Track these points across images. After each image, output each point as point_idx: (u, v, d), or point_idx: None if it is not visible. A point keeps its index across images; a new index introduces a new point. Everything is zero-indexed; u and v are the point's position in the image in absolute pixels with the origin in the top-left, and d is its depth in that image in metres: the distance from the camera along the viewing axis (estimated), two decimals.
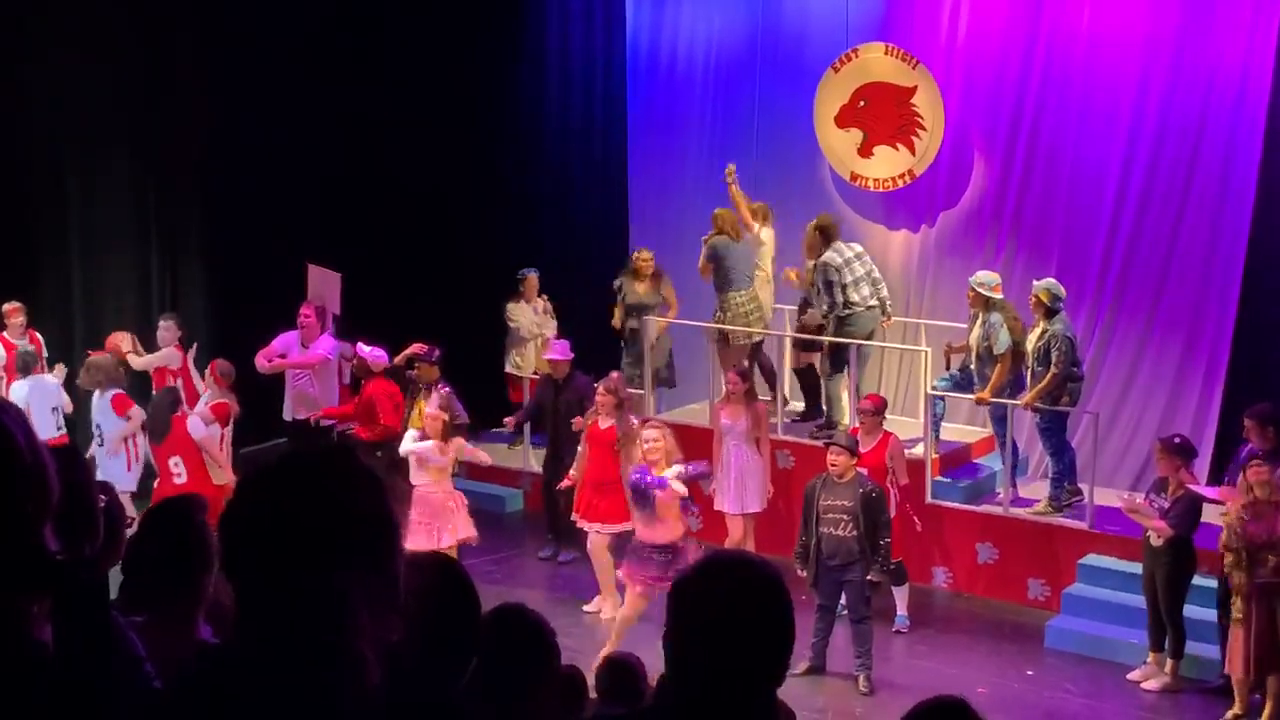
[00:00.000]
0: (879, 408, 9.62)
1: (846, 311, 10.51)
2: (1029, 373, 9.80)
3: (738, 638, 2.17)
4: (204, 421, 9.67)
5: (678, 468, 8.51)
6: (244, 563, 1.96)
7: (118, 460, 9.80)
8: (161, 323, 11.09)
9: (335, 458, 2.04)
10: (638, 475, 8.53)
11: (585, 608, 9.69)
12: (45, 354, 10.69)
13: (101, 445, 9.92)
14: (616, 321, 11.78)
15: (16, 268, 11.10)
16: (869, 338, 10.70)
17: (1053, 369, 9.52)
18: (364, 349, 10.53)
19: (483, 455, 9.95)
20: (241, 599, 1.98)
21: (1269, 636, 7.75)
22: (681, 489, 8.48)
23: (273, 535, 1.93)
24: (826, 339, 10.76)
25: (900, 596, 9.53)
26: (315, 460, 2.03)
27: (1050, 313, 9.60)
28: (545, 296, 12.30)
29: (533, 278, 12.13)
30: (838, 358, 10.74)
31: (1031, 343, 9.74)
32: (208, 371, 10.39)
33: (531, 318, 12.18)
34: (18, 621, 2.05)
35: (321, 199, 12.94)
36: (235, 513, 1.98)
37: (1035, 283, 9.81)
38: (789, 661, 2.26)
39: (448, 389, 10.13)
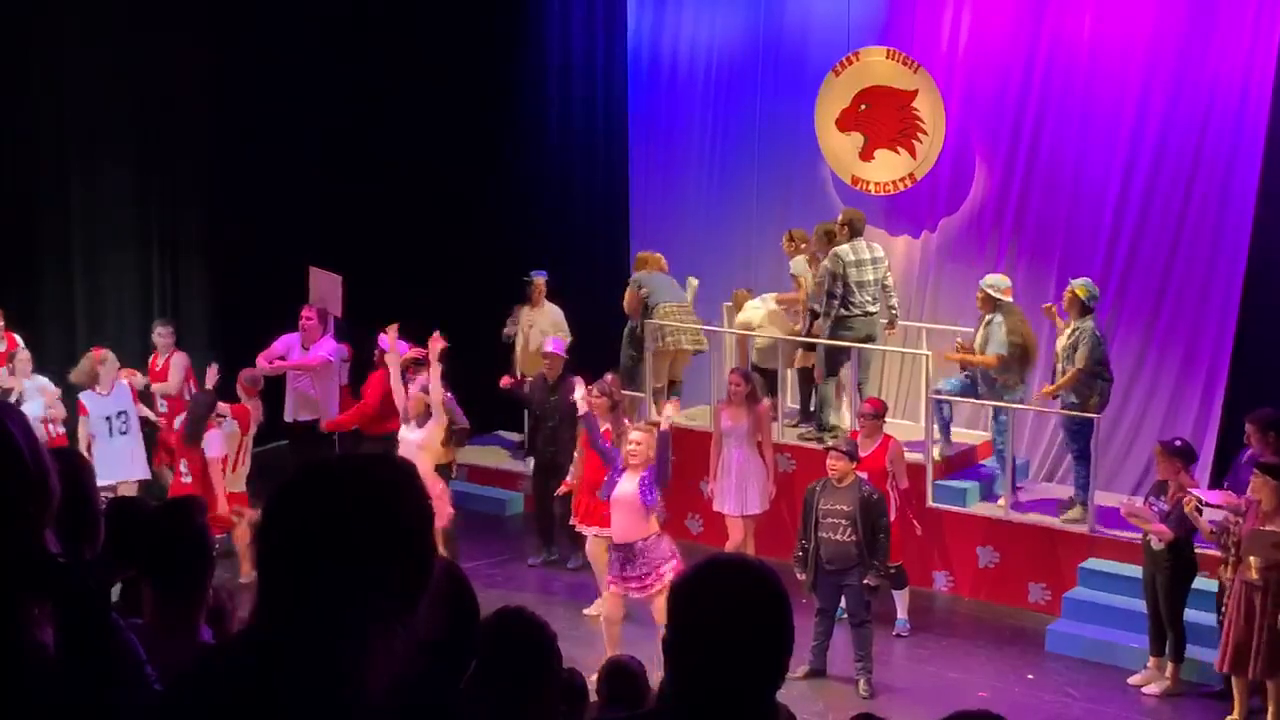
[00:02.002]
0: (879, 411, 9.61)
1: (843, 313, 10.51)
2: (1055, 371, 9.79)
3: (737, 641, 2.18)
4: (224, 438, 9.76)
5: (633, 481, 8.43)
6: (279, 556, 1.96)
7: (141, 447, 9.90)
8: (159, 328, 11.06)
9: (393, 469, 2.02)
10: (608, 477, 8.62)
11: (586, 611, 9.69)
12: (20, 351, 10.59)
13: (125, 433, 9.91)
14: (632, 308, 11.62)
15: (18, 271, 11.12)
16: (864, 342, 10.71)
17: (1077, 364, 9.50)
18: (385, 340, 10.64)
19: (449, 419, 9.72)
20: (265, 594, 1.98)
21: (1245, 633, 7.78)
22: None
23: (316, 534, 1.92)
24: (823, 341, 10.75)
25: (901, 600, 9.53)
26: (374, 469, 2.01)
27: (1085, 310, 9.56)
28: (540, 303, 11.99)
29: (539, 281, 11.92)
30: (832, 361, 10.76)
31: (1062, 341, 9.72)
32: (237, 383, 10.47)
33: (525, 318, 12.04)
34: (19, 624, 2.05)
35: (323, 203, 12.98)
36: (288, 506, 1.97)
37: (1073, 280, 9.72)
38: (788, 664, 2.26)
39: (449, 395, 10.11)
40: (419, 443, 9.25)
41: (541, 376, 10.85)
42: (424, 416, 9.40)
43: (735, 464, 9.92)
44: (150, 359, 11.03)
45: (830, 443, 9.26)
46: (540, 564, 10.77)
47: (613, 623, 8.52)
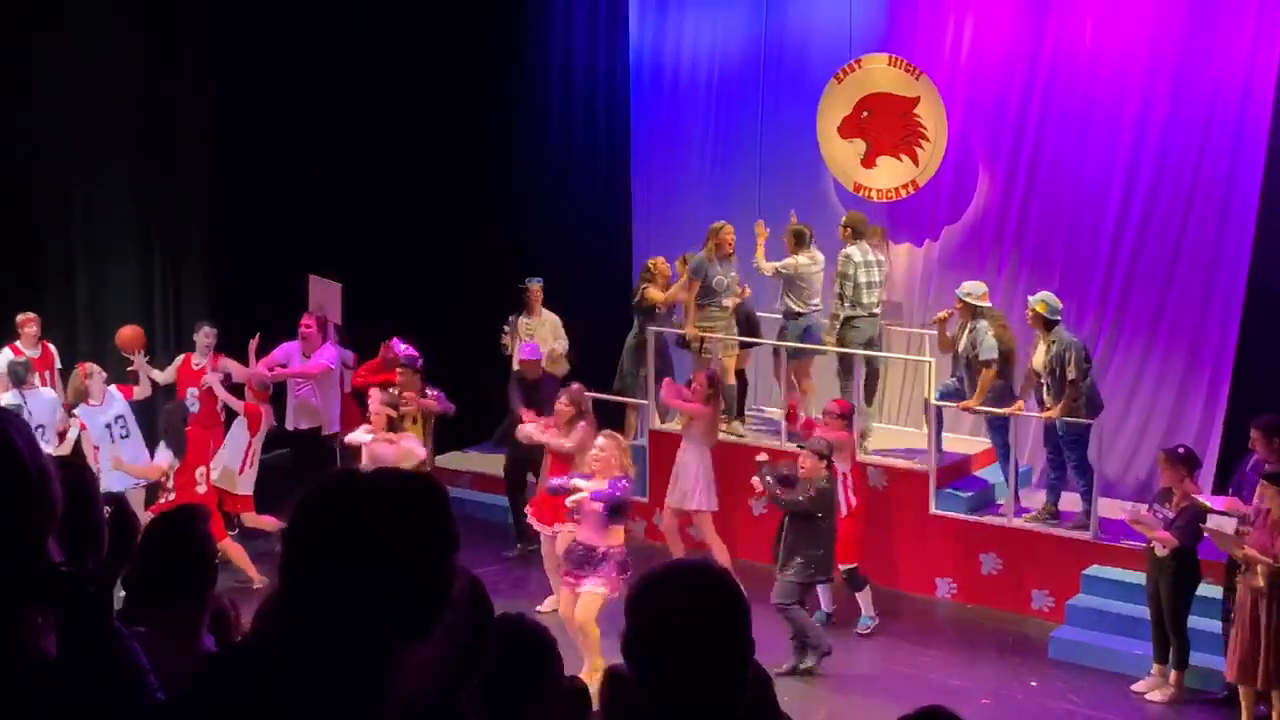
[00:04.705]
0: (844, 412, 9.74)
1: (850, 313, 10.59)
2: (1043, 387, 9.76)
3: (699, 643, 2.17)
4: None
5: (599, 484, 8.46)
6: (301, 562, 1.96)
7: (144, 449, 9.94)
8: (205, 328, 10.97)
9: (423, 489, 2.03)
10: (558, 481, 8.71)
11: (538, 608, 9.65)
12: (59, 365, 10.70)
13: (126, 436, 9.94)
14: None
15: (20, 279, 11.12)
16: (868, 344, 10.73)
17: (1073, 379, 9.48)
18: (400, 346, 10.69)
19: (419, 451, 9.83)
20: (283, 600, 1.98)
21: (1252, 642, 7.77)
22: (584, 499, 8.40)
23: (339, 543, 1.92)
24: (793, 345, 10.92)
25: (864, 600, 9.58)
26: (405, 486, 2.02)
27: (1049, 324, 9.59)
28: (531, 311, 11.91)
29: (534, 287, 11.85)
30: (845, 360, 10.84)
31: (1040, 358, 9.71)
32: (245, 386, 10.57)
33: (524, 327, 12.02)
34: (21, 633, 2.05)
35: (324, 210, 13.00)
36: (318, 512, 1.97)
37: (1030, 297, 9.80)
38: (750, 664, 2.26)
39: (437, 391, 10.42)
40: (391, 460, 9.27)
41: (520, 376, 10.87)
42: (386, 430, 9.59)
43: (680, 460, 10.02)
44: (183, 358, 10.95)
45: (805, 443, 9.32)
46: (515, 556, 10.89)
47: (570, 621, 8.48)
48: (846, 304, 10.61)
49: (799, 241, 10.94)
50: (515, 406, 10.72)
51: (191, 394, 10.62)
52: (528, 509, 9.95)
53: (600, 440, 8.57)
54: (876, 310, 10.73)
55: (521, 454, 10.71)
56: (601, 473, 8.38)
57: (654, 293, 11.42)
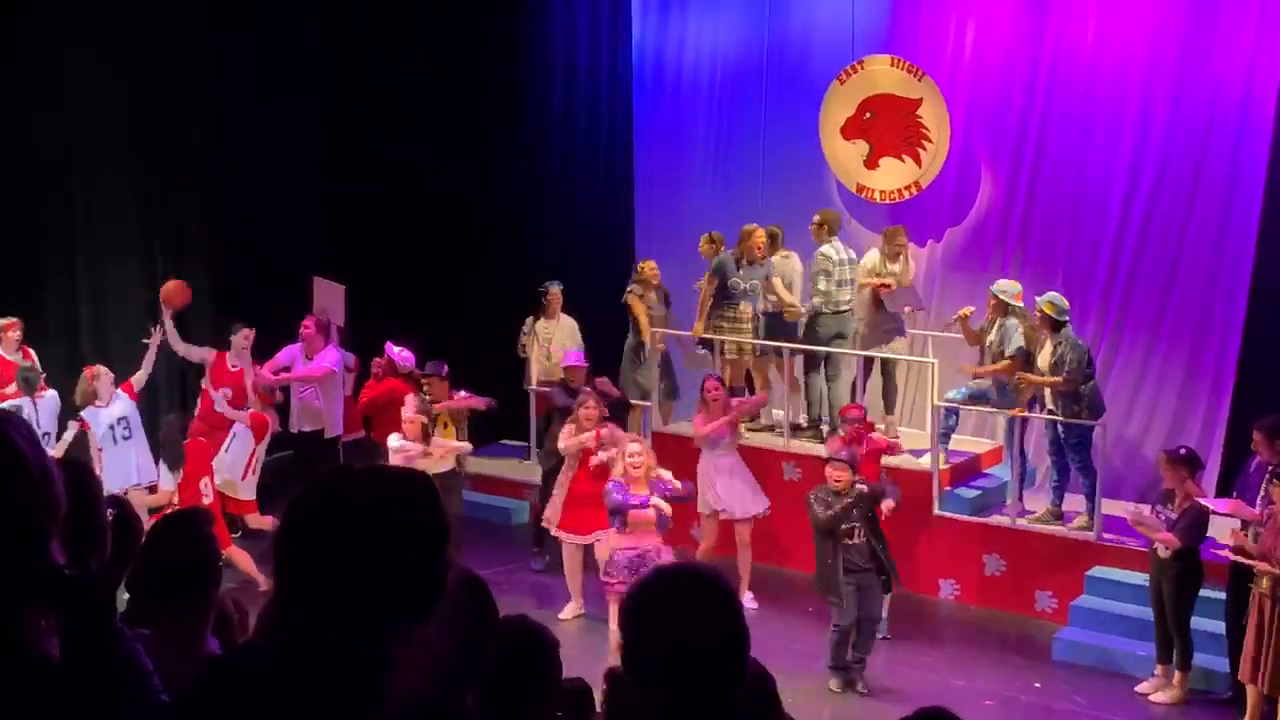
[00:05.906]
0: (860, 416, 9.82)
1: (821, 310, 10.79)
2: (1045, 389, 9.76)
3: (694, 647, 2.17)
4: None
5: (660, 496, 8.60)
6: (295, 561, 1.94)
7: (147, 451, 9.93)
8: (243, 330, 10.90)
9: (409, 481, 2.03)
10: (619, 496, 8.56)
11: (560, 616, 9.62)
12: (41, 371, 10.65)
13: (129, 438, 9.93)
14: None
15: (20, 279, 11.11)
16: (834, 338, 10.81)
17: (1063, 377, 9.49)
18: (393, 349, 10.65)
19: (463, 445, 10.08)
20: (280, 599, 1.97)
21: (1257, 645, 7.77)
22: (665, 508, 8.61)
23: (331, 540, 1.92)
24: (757, 341, 11.01)
25: (884, 604, 9.52)
26: (390, 479, 2.03)
27: (1056, 325, 9.58)
28: (550, 314, 11.85)
29: (555, 291, 11.74)
30: (812, 357, 10.95)
31: (1045, 359, 9.70)
32: (249, 386, 10.59)
33: (543, 330, 11.97)
34: (22, 633, 2.04)
35: (324, 210, 13.00)
36: (305, 512, 1.97)
37: (1038, 298, 9.80)
38: (746, 662, 2.25)
39: (463, 392, 10.44)
40: (425, 467, 9.22)
41: (563, 382, 10.80)
42: (421, 438, 9.53)
43: (726, 469, 9.96)
44: (215, 356, 10.86)
45: (829, 454, 9.28)
46: (544, 569, 10.75)
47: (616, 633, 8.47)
48: (820, 301, 10.75)
49: (774, 243, 11.11)
50: (556, 405, 10.71)
51: (224, 393, 10.62)
52: (554, 520, 9.79)
53: (634, 446, 8.72)
54: (844, 308, 10.83)
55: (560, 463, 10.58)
56: (644, 479, 8.53)
57: (636, 305, 11.40)
